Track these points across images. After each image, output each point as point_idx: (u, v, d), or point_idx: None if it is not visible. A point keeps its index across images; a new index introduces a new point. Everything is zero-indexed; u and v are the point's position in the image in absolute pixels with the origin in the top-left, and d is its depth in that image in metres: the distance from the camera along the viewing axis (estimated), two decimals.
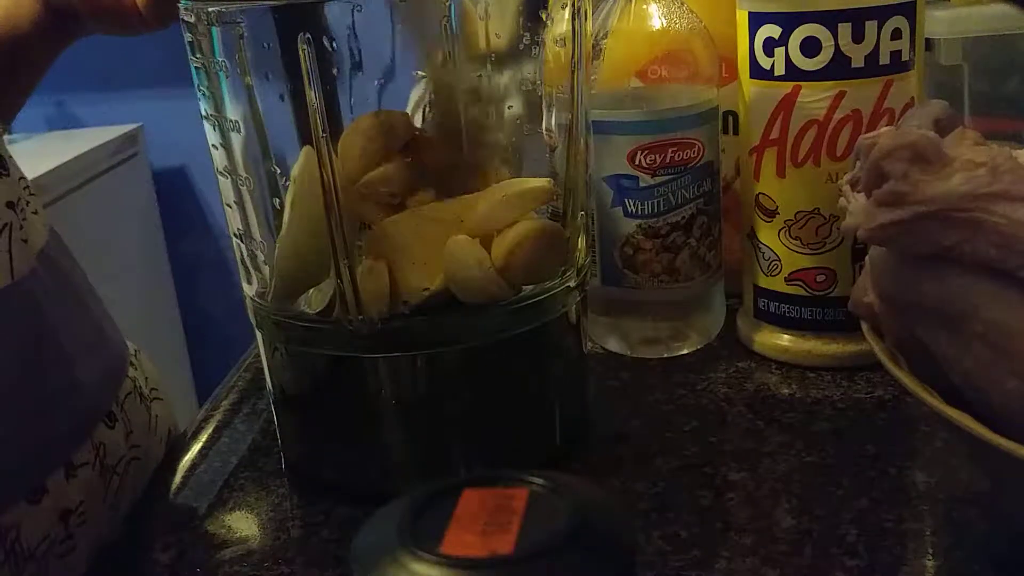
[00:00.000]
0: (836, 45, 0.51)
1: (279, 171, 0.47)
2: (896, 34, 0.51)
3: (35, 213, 0.49)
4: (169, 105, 1.82)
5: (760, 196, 0.56)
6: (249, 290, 0.49)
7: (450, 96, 0.44)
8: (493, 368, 0.45)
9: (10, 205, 0.46)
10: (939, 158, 0.34)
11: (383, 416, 0.45)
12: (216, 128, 0.46)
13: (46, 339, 0.46)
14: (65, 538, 0.45)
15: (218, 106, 0.46)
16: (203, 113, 0.47)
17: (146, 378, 0.58)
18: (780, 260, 0.56)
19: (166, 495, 0.50)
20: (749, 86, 0.55)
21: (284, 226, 0.46)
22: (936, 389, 0.35)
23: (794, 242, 0.55)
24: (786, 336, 0.57)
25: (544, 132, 0.50)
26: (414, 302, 0.44)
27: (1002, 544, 0.40)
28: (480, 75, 0.45)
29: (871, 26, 0.51)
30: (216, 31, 0.44)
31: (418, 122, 0.46)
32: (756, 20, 0.53)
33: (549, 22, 0.46)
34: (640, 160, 0.55)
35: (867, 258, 0.38)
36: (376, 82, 0.46)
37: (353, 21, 0.43)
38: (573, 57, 0.46)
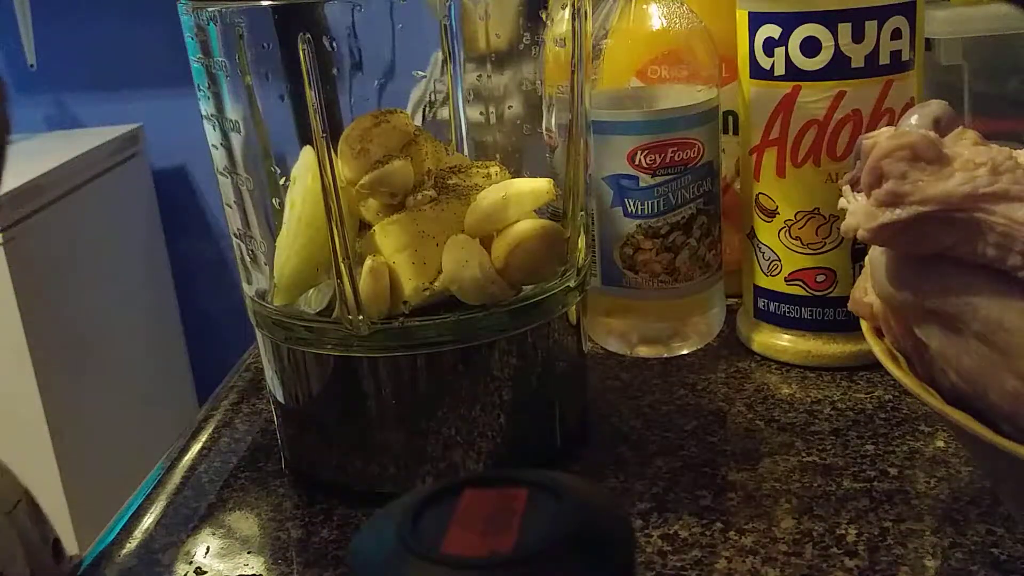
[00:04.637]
0: (836, 45, 0.51)
1: (279, 171, 0.47)
2: (896, 34, 0.51)
3: None
4: (169, 105, 1.82)
5: (760, 196, 0.56)
6: (249, 290, 0.49)
7: None
8: (493, 368, 0.45)
9: None
10: (939, 158, 0.34)
11: (383, 416, 0.45)
12: (216, 128, 0.46)
13: None
14: None
15: (218, 106, 0.46)
16: (203, 113, 0.47)
17: None
18: (780, 260, 0.56)
19: (166, 495, 0.50)
20: (749, 86, 0.55)
21: (284, 226, 0.46)
22: (936, 389, 0.35)
23: (794, 242, 0.55)
24: (786, 336, 0.57)
25: (544, 132, 0.50)
26: (414, 302, 0.44)
27: (1002, 544, 0.40)
28: (480, 75, 0.45)
29: (871, 26, 0.51)
30: (216, 31, 0.44)
31: (418, 122, 0.46)
32: (756, 20, 0.53)
33: (549, 22, 0.46)
34: (640, 160, 0.55)
35: (867, 258, 0.38)
36: (376, 82, 0.46)
37: (353, 21, 0.43)
38: (573, 57, 0.46)
